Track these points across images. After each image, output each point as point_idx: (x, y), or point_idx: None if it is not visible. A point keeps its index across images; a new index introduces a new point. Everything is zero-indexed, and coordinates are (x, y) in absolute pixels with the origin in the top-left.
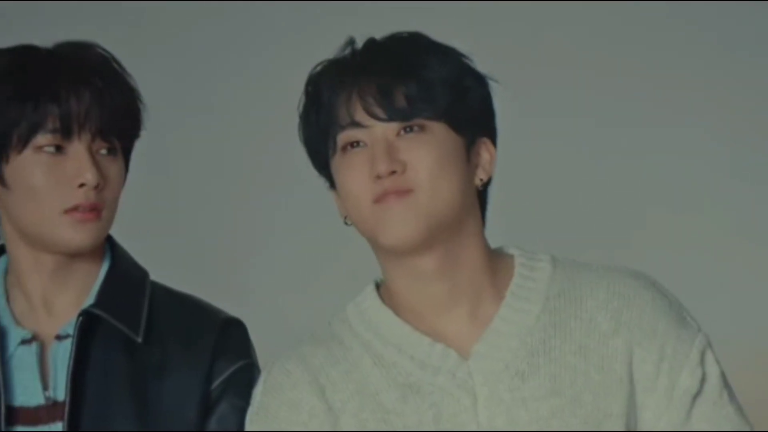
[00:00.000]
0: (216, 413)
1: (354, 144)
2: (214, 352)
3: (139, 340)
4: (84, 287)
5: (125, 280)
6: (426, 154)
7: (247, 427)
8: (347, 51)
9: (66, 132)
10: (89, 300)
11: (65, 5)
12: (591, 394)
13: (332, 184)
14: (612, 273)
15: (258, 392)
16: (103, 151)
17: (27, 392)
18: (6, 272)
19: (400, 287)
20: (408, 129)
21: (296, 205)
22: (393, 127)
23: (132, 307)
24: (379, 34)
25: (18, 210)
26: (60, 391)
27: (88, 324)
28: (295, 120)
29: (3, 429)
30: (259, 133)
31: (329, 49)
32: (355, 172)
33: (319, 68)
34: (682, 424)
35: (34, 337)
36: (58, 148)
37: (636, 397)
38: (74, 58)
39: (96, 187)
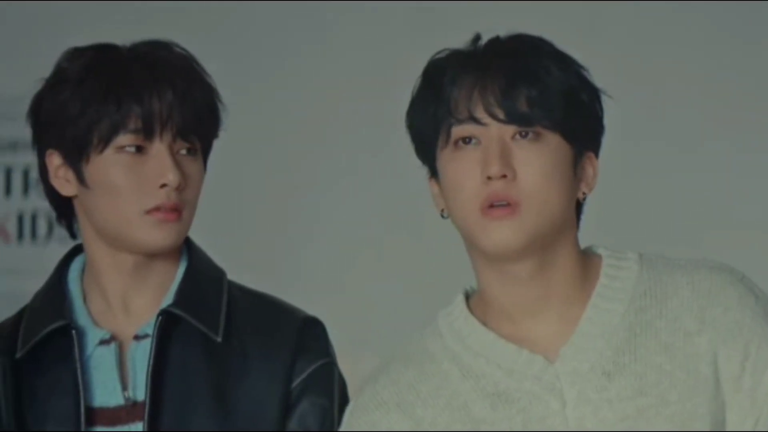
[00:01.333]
0: (296, 412)
1: (467, 140)
2: (294, 351)
3: (219, 339)
4: (162, 287)
5: (203, 280)
6: (539, 164)
7: None
8: (472, 46)
9: (148, 132)
10: (168, 300)
11: (134, 5)
12: (677, 394)
13: (433, 174)
14: (698, 269)
15: (347, 411)
16: (184, 152)
17: (106, 393)
18: (83, 272)
19: (493, 289)
20: (524, 134)
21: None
22: (510, 129)
23: (211, 306)
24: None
25: (98, 210)
26: (139, 391)
27: (167, 324)
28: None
29: (83, 430)
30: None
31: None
32: (465, 170)
33: (441, 56)
34: (765, 425)
35: (112, 338)
36: (139, 148)
37: (722, 397)
38: (155, 57)
39: (177, 188)
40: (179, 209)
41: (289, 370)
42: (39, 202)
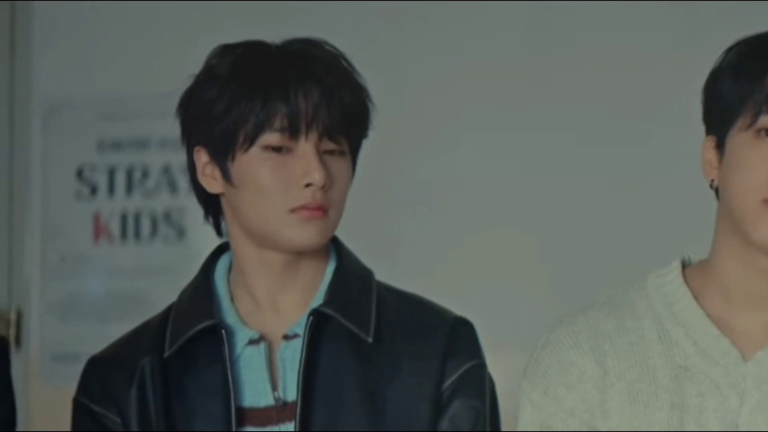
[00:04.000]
0: (448, 413)
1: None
2: (444, 352)
3: (370, 339)
4: (310, 286)
5: (353, 280)
6: None
7: (524, 375)
8: None
9: (293, 131)
10: (317, 299)
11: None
12: None
13: (719, 143)
14: None
15: (539, 344)
16: (331, 151)
17: (256, 393)
18: (229, 271)
19: (733, 274)
20: None
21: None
22: None
23: (361, 306)
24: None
25: (245, 208)
26: (290, 391)
27: (318, 323)
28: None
29: (233, 430)
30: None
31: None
32: (759, 159)
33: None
34: None
35: (261, 337)
36: (285, 147)
37: None
38: (304, 54)
39: (323, 187)
40: (324, 208)
41: (440, 371)
42: (142, 202)
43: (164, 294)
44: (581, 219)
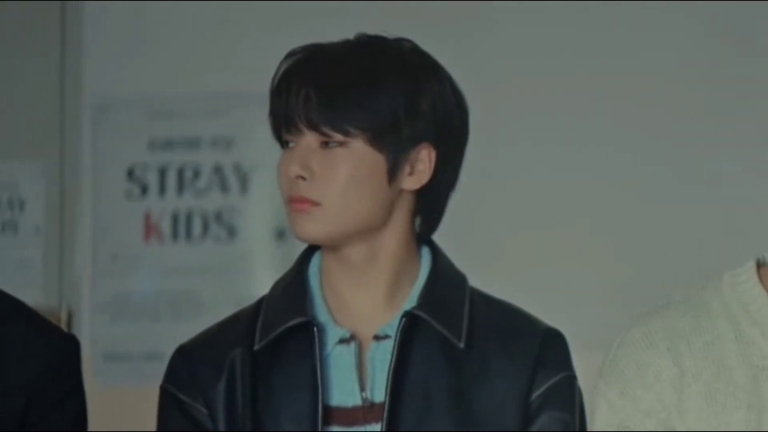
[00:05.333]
0: (536, 425)
1: None
2: (535, 362)
3: (462, 345)
4: (397, 288)
5: (446, 284)
6: None
7: (600, 375)
8: None
9: (276, 126)
10: (410, 302)
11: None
12: None
13: None
14: None
15: (614, 344)
16: (326, 143)
17: (344, 392)
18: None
19: None
20: None
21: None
22: None
23: (454, 311)
24: None
25: None
26: (378, 392)
27: (410, 326)
28: None
29: (320, 429)
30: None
31: None
32: None
33: None
34: None
35: (352, 337)
36: (289, 141)
37: None
38: (319, 51)
39: (303, 179)
40: (308, 201)
41: (530, 381)
42: (193, 202)
43: (215, 294)
44: (654, 219)
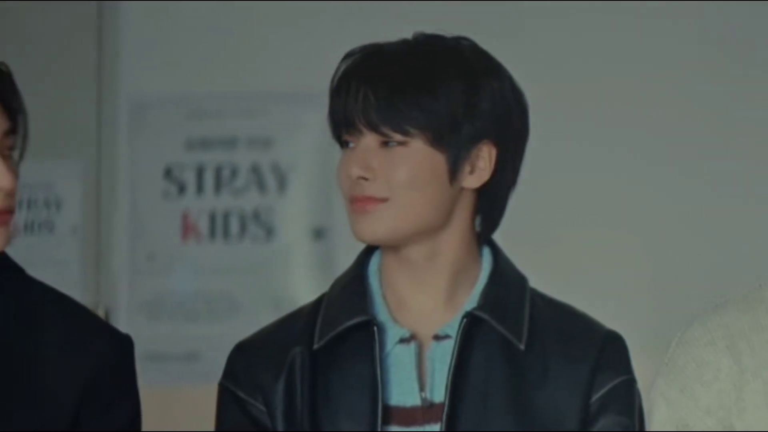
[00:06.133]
0: (595, 427)
1: None
2: (595, 365)
3: (522, 347)
4: (456, 288)
5: (507, 285)
6: None
7: (659, 373)
8: None
9: (345, 127)
10: (470, 302)
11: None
12: None
13: None
14: None
15: (673, 342)
16: (385, 143)
17: (403, 392)
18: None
19: None
20: None
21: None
22: None
23: (515, 312)
24: None
25: None
26: (437, 392)
27: (470, 326)
28: None
29: (379, 428)
30: None
31: None
32: None
33: None
34: None
35: (412, 336)
36: (349, 142)
37: None
38: (378, 51)
39: (365, 179)
40: (371, 199)
41: (589, 383)
42: (231, 201)
43: (252, 294)
44: (686, 221)
